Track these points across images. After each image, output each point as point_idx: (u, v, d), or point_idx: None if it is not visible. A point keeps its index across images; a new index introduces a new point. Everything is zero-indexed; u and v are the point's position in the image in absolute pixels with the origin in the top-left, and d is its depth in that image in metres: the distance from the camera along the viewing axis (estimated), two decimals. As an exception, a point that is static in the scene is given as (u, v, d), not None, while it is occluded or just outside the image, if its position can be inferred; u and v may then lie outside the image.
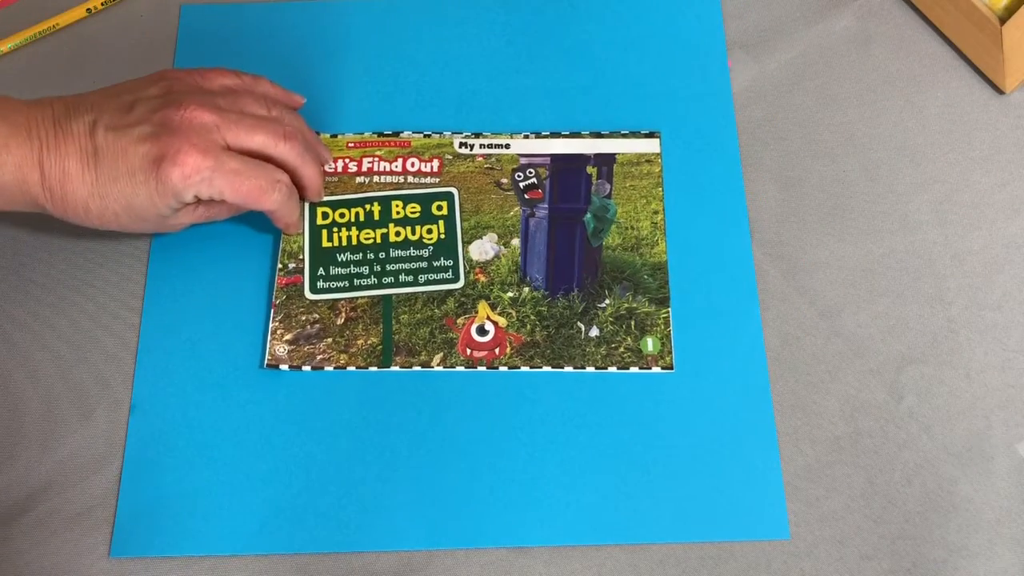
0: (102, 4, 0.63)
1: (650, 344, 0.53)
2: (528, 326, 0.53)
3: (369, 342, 0.53)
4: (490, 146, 0.58)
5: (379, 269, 0.54)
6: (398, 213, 0.56)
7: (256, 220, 0.56)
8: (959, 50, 0.60)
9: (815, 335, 0.53)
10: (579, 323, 0.53)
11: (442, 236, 0.55)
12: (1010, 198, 0.56)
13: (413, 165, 0.57)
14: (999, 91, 0.59)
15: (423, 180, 0.57)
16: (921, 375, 0.52)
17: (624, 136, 0.58)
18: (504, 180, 0.57)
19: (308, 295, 0.54)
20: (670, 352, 0.52)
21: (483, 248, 0.55)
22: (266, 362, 0.52)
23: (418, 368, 0.52)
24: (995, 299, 0.54)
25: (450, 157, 0.57)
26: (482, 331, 0.53)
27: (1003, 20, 0.56)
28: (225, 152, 0.48)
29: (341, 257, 0.55)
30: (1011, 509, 0.49)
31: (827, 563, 0.48)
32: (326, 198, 0.56)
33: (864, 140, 0.58)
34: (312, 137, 0.55)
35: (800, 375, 0.52)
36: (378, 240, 0.55)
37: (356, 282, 0.54)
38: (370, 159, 0.57)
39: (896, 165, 0.57)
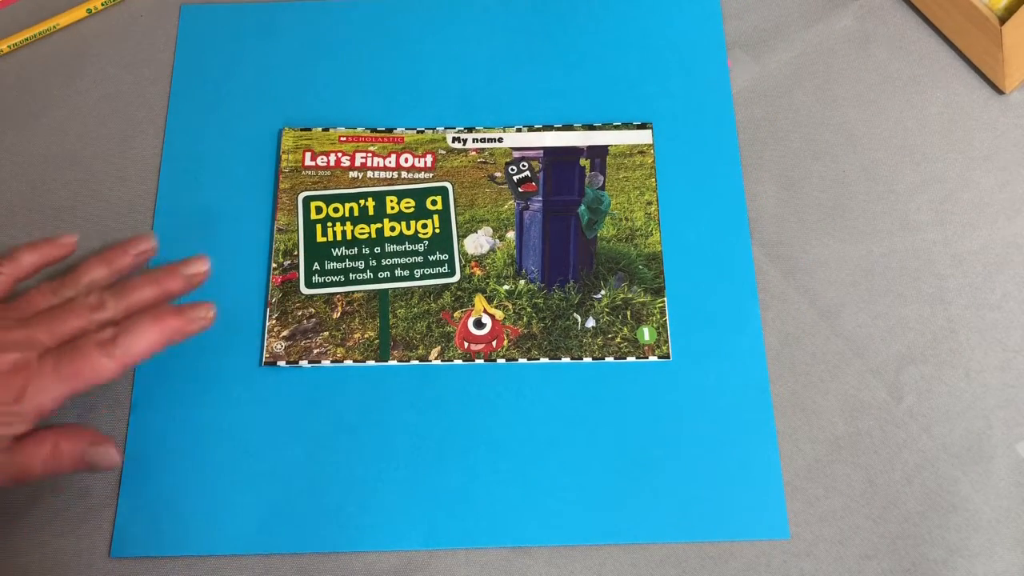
0: (102, 4, 0.63)
1: (646, 334, 0.53)
2: (525, 318, 0.53)
3: (366, 336, 0.53)
4: (483, 140, 0.58)
5: (374, 264, 0.54)
6: (392, 208, 0.56)
7: (251, 221, 0.56)
8: (959, 50, 0.60)
9: (815, 335, 0.53)
10: (575, 314, 0.53)
11: (437, 231, 0.55)
12: (1010, 198, 0.56)
13: (407, 160, 0.57)
14: (999, 91, 0.59)
15: (417, 175, 0.57)
16: (921, 375, 0.52)
17: (616, 128, 0.58)
18: (498, 174, 0.57)
19: (304, 290, 0.54)
20: (666, 341, 0.52)
21: (478, 242, 0.55)
22: (264, 359, 0.52)
23: (416, 362, 0.52)
24: (995, 299, 0.54)
25: (443, 152, 0.57)
26: (479, 324, 0.53)
27: (1003, 20, 0.56)
28: (45, 353, 0.44)
29: (336, 252, 0.55)
30: (1011, 509, 0.49)
31: (827, 563, 0.48)
32: (319, 192, 0.56)
33: (864, 140, 0.58)
34: (141, 280, 0.48)
35: (800, 375, 0.52)
36: (373, 235, 0.55)
37: (352, 276, 0.54)
38: (363, 154, 0.57)
39: (896, 165, 0.57)
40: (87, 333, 0.45)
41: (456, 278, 0.54)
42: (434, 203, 0.56)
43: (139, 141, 0.59)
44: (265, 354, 0.52)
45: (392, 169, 0.57)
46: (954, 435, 0.51)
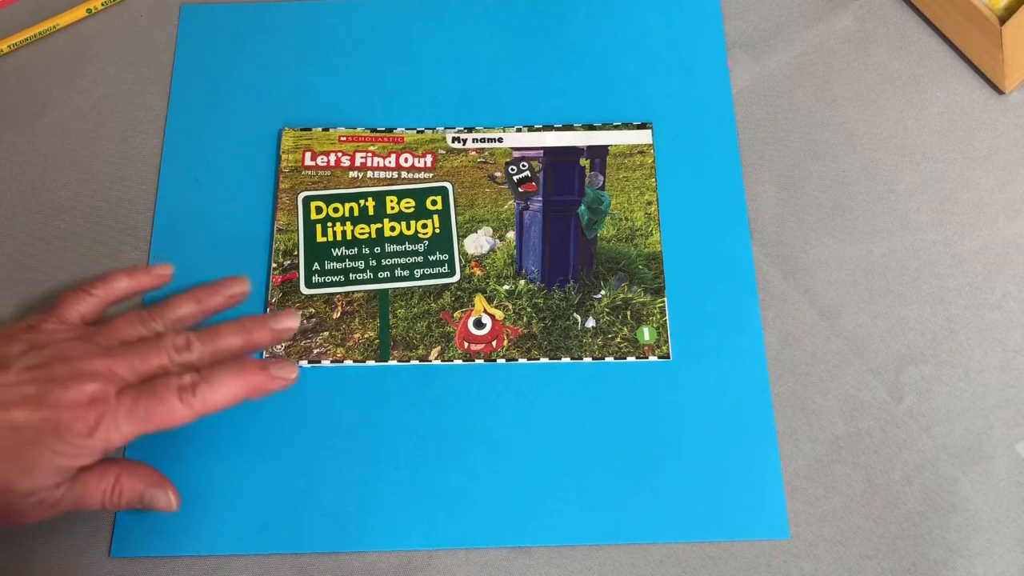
0: (102, 4, 0.63)
1: (646, 334, 0.53)
2: (525, 318, 0.53)
3: (366, 336, 0.53)
4: (483, 140, 0.58)
5: (374, 264, 0.54)
6: (392, 208, 0.56)
7: (251, 221, 0.56)
8: (959, 50, 0.60)
9: (815, 335, 0.53)
10: (575, 314, 0.53)
11: (437, 231, 0.55)
12: (1010, 198, 0.56)
13: (407, 160, 0.57)
14: (999, 91, 0.59)
15: (417, 175, 0.57)
16: (921, 375, 0.52)
17: (616, 128, 0.58)
18: (498, 174, 0.57)
19: (304, 290, 0.54)
20: (667, 341, 0.53)
21: (478, 242, 0.55)
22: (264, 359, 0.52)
23: (416, 362, 0.52)
24: (995, 299, 0.54)
25: (443, 152, 0.57)
26: (479, 324, 0.53)
27: (1003, 20, 0.56)
28: (123, 389, 0.43)
29: (336, 252, 0.55)
30: (1011, 509, 0.49)
31: (827, 563, 0.48)
32: (319, 192, 0.56)
33: (864, 140, 0.58)
34: (230, 327, 0.48)
35: (800, 375, 0.52)
36: (373, 235, 0.55)
37: (352, 276, 0.54)
38: (363, 154, 0.57)
39: (896, 165, 0.57)
40: (168, 374, 0.44)
41: (456, 278, 0.54)
42: (434, 203, 0.56)
43: (139, 141, 0.59)
44: (266, 354, 0.52)
45: (392, 169, 0.57)
46: (954, 435, 0.51)
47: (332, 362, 0.52)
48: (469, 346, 0.53)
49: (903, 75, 0.60)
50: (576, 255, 0.55)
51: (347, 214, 0.56)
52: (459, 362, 0.52)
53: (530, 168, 0.57)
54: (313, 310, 0.53)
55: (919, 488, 0.50)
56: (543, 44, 0.61)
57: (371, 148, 0.57)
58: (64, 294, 0.49)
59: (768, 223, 0.56)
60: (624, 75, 0.60)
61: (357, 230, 0.55)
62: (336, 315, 0.53)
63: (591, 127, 0.58)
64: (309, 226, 0.55)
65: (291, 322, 0.49)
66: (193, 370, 0.44)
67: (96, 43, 0.62)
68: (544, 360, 0.52)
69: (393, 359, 0.52)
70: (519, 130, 0.58)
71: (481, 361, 0.52)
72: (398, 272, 0.54)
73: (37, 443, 0.41)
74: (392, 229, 0.55)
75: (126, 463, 0.46)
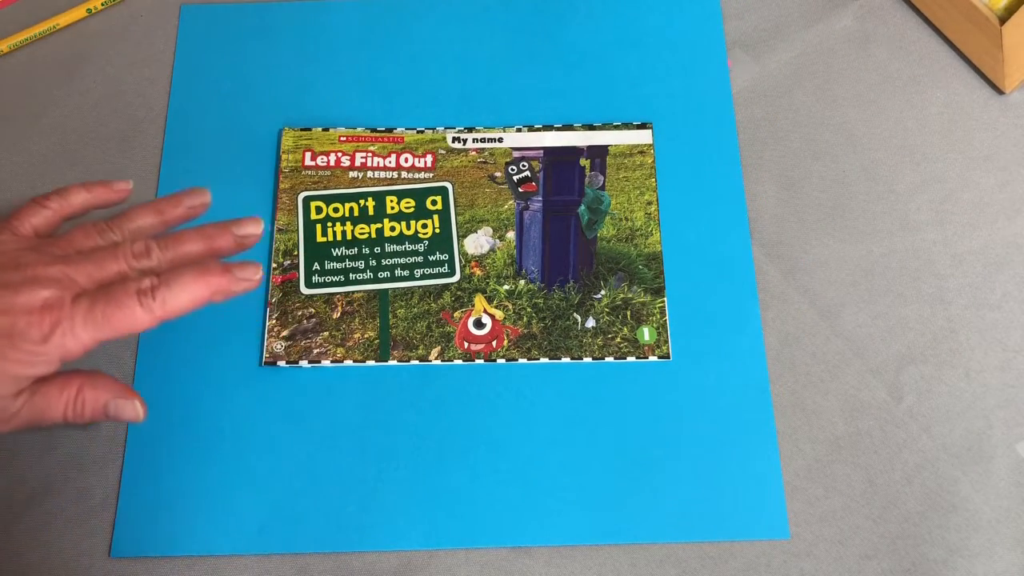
0: (102, 4, 0.63)
1: (646, 334, 0.53)
2: (525, 318, 0.53)
3: (366, 336, 0.53)
4: (483, 140, 0.58)
5: (374, 264, 0.54)
6: (392, 208, 0.56)
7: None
8: (959, 50, 0.60)
9: (815, 335, 0.53)
10: (575, 314, 0.53)
11: (437, 231, 0.55)
12: (1010, 198, 0.56)
13: (407, 160, 0.57)
14: (999, 91, 0.59)
15: (417, 175, 0.57)
16: (921, 375, 0.52)
17: (616, 128, 0.58)
18: (498, 174, 0.57)
19: (304, 290, 0.54)
20: (667, 341, 0.53)
21: (478, 242, 0.55)
22: (264, 359, 0.52)
23: (416, 362, 0.52)
24: (995, 299, 0.54)
25: (443, 152, 0.57)
26: (479, 324, 0.53)
27: (1003, 20, 0.56)
28: (79, 295, 0.41)
29: (336, 252, 0.55)
30: (1011, 509, 0.49)
31: (827, 563, 0.48)
32: (319, 192, 0.56)
33: (864, 140, 0.58)
34: (190, 233, 0.46)
35: (800, 375, 0.52)
36: (373, 235, 0.55)
37: (351, 276, 0.54)
38: (363, 154, 0.57)
39: (896, 165, 0.57)
40: (127, 280, 0.42)
41: (456, 278, 0.54)
42: (434, 203, 0.56)
43: (139, 141, 0.59)
44: (265, 354, 0.52)
45: (392, 169, 0.57)
46: (954, 435, 0.51)
47: (332, 362, 0.52)
48: (469, 346, 0.53)
49: (903, 75, 0.60)
50: (576, 255, 0.55)
51: (347, 214, 0.56)
52: (459, 362, 0.52)
53: (530, 168, 0.57)
54: (313, 310, 0.53)
55: (919, 488, 0.50)
56: (543, 44, 0.61)
57: (371, 148, 0.57)
58: (17, 207, 0.46)
59: (768, 223, 0.56)
60: (624, 75, 0.60)
61: (357, 230, 0.55)
62: (336, 315, 0.53)
63: (591, 127, 0.58)
64: (309, 226, 0.55)
65: (254, 228, 0.47)
66: (153, 275, 0.42)
67: (96, 43, 0.62)
68: (544, 360, 0.52)
69: (393, 359, 0.52)
70: (519, 130, 0.58)
71: (481, 361, 0.52)
72: (398, 272, 0.54)
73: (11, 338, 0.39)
74: (392, 229, 0.55)
75: (88, 374, 0.44)
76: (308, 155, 0.57)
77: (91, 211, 0.49)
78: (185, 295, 0.42)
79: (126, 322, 0.41)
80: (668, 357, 0.52)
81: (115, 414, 0.44)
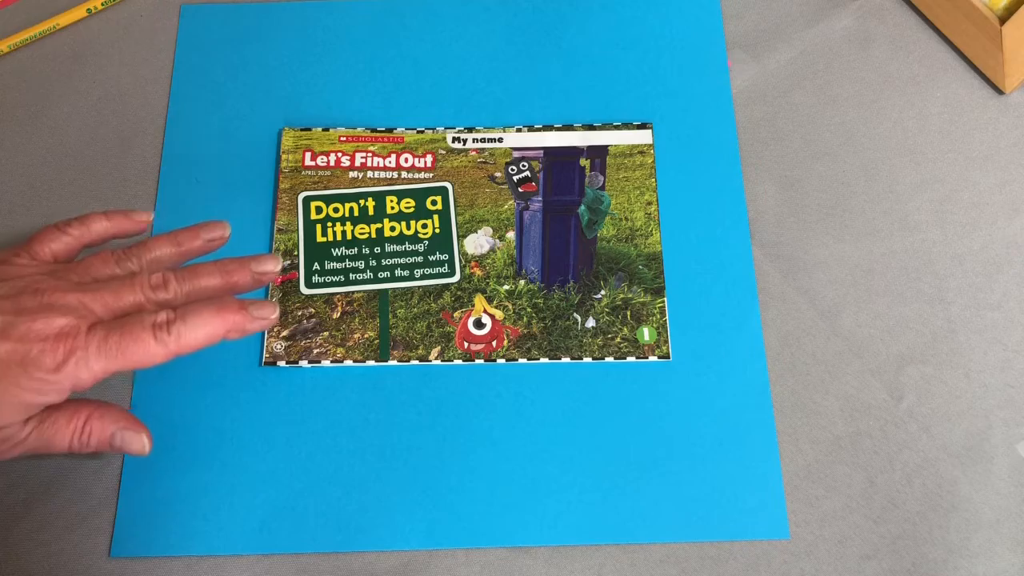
0: (102, 4, 0.63)
1: (646, 334, 0.53)
2: (525, 318, 0.53)
3: (366, 336, 0.53)
4: (483, 140, 0.58)
5: (374, 264, 0.54)
6: (392, 208, 0.56)
7: (251, 221, 0.56)
8: (959, 50, 0.60)
9: (815, 335, 0.53)
10: (575, 314, 0.53)
11: (437, 231, 0.55)
12: (1010, 198, 0.56)
13: (407, 160, 0.57)
14: (999, 91, 0.59)
15: (417, 175, 0.57)
16: (921, 375, 0.52)
17: (616, 128, 0.58)
18: (498, 174, 0.57)
19: (304, 290, 0.54)
20: (667, 341, 0.53)
21: (478, 242, 0.55)
22: (264, 359, 0.52)
23: (416, 362, 0.52)
24: (995, 299, 0.54)
25: (443, 152, 0.57)
26: (479, 324, 0.53)
27: (1003, 20, 0.56)
28: (95, 325, 0.41)
29: (336, 252, 0.55)
30: (1011, 509, 0.49)
31: (827, 563, 0.48)
32: (320, 192, 0.56)
33: (864, 140, 0.58)
34: (208, 267, 0.46)
35: (800, 375, 0.52)
36: (373, 235, 0.55)
37: (351, 276, 0.54)
38: (363, 154, 0.57)
39: (896, 165, 0.57)
40: (143, 311, 0.42)
41: (456, 278, 0.54)
42: (434, 203, 0.56)
43: (139, 141, 0.59)
44: (265, 354, 0.52)
45: (392, 169, 0.57)
46: (954, 435, 0.51)
47: (332, 362, 0.52)
48: (469, 346, 0.53)
49: (903, 75, 0.60)
50: (576, 255, 0.55)
51: (347, 214, 0.56)
52: (459, 362, 0.52)
53: (530, 168, 0.57)
54: (313, 310, 0.53)
55: (919, 488, 0.50)
56: (543, 44, 0.61)
57: (371, 148, 0.57)
58: (38, 231, 0.47)
59: (768, 223, 0.56)
60: (624, 75, 0.60)
61: (357, 230, 0.55)
62: (336, 315, 0.53)
63: (591, 127, 0.58)
64: (309, 226, 0.55)
65: (272, 265, 0.47)
66: (169, 308, 0.42)
67: (96, 43, 0.62)
68: (544, 360, 0.52)
69: (393, 359, 0.52)
70: (519, 130, 0.58)
71: (481, 361, 0.52)
72: (398, 272, 0.54)
73: (2, 377, 0.39)
74: (392, 229, 0.55)
75: (98, 404, 0.44)
76: (308, 155, 0.57)
77: (110, 240, 0.49)
78: (201, 331, 0.42)
79: (140, 355, 0.41)
80: (668, 357, 0.52)
81: (120, 445, 0.44)
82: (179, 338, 0.42)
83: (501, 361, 0.52)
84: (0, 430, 0.41)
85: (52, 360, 0.40)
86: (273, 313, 0.45)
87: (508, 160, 0.57)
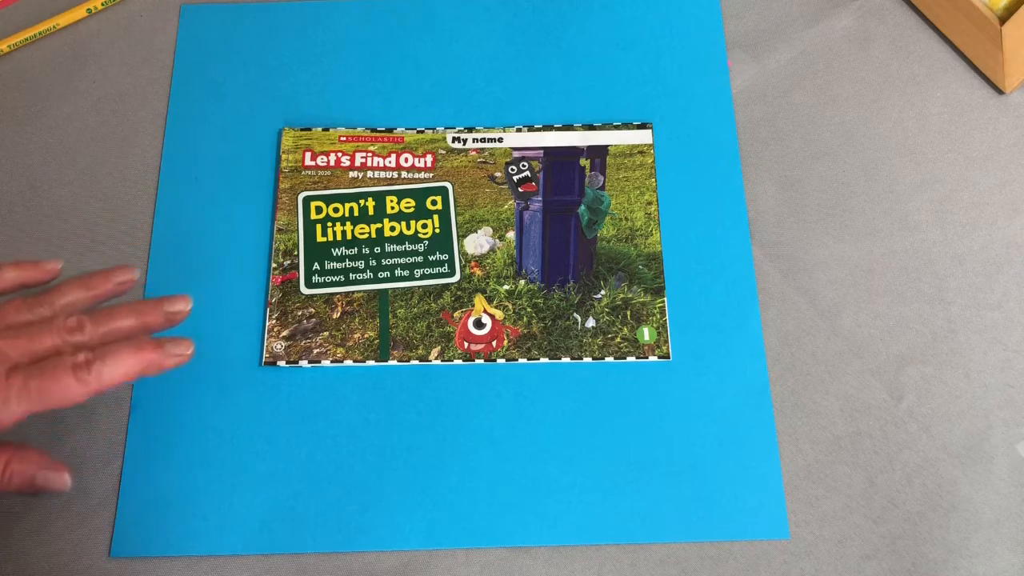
0: (102, 4, 0.63)
1: (646, 334, 0.53)
2: (525, 318, 0.53)
3: (366, 336, 0.53)
4: (483, 140, 0.58)
5: (374, 264, 0.54)
6: (392, 208, 0.56)
7: (251, 221, 0.56)
8: (959, 50, 0.60)
9: (815, 335, 0.53)
10: (575, 314, 0.53)
11: (437, 231, 0.55)
12: (1010, 198, 0.56)
13: (407, 160, 0.57)
14: (999, 91, 0.59)
15: (417, 175, 0.57)
16: (921, 375, 0.52)
17: (616, 128, 0.58)
18: (498, 174, 0.57)
19: (304, 290, 0.54)
20: (666, 341, 0.53)
21: (478, 242, 0.55)
22: (264, 359, 0.52)
23: (416, 362, 0.52)
24: (995, 299, 0.54)
25: (443, 152, 0.57)
26: (479, 324, 0.53)
27: (1003, 20, 0.56)
28: (11, 369, 0.43)
29: (336, 252, 0.55)
30: (1011, 509, 0.49)
31: (827, 563, 0.48)
32: (320, 192, 0.56)
33: (864, 140, 0.58)
34: (121, 310, 0.47)
35: (800, 375, 0.52)
36: (373, 235, 0.55)
37: (351, 276, 0.54)
38: (363, 154, 0.57)
39: (896, 165, 0.57)
40: (61, 354, 0.44)
41: (456, 278, 0.54)
42: (434, 203, 0.56)
43: (139, 141, 0.59)
44: (265, 354, 0.52)
45: (392, 169, 0.57)
46: (954, 435, 0.51)
47: (332, 362, 0.52)
48: (469, 346, 0.53)
49: (903, 75, 0.60)
50: (576, 255, 0.55)
51: (347, 214, 0.56)
52: (459, 362, 0.52)
53: (530, 168, 0.57)
54: (313, 310, 0.53)
55: (919, 488, 0.50)
56: (543, 44, 0.61)
57: (371, 148, 0.57)
58: None
59: (768, 223, 0.56)
60: (624, 75, 0.60)
61: (357, 230, 0.55)
62: (336, 315, 0.53)
63: (591, 127, 0.58)
64: (309, 226, 0.55)
65: (183, 305, 0.48)
66: (88, 350, 0.44)
67: (96, 43, 0.62)
68: (544, 360, 0.52)
69: (393, 359, 0.52)
70: (519, 130, 0.58)
71: (481, 361, 0.52)
72: (398, 272, 0.54)
73: None
74: (392, 229, 0.55)
75: (16, 447, 0.45)
76: (308, 155, 0.57)
77: (20, 289, 0.48)
78: (119, 369, 0.44)
79: (61, 395, 0.43)
80: (668, 357, 0.52)
81: (43, 484, 0.45)
82: (100, 377, 0.43)
83: (501, 361, 0.52)
84: None
85: None
86: (188, 349, 0.47)
87: (508, 160, 0.57)
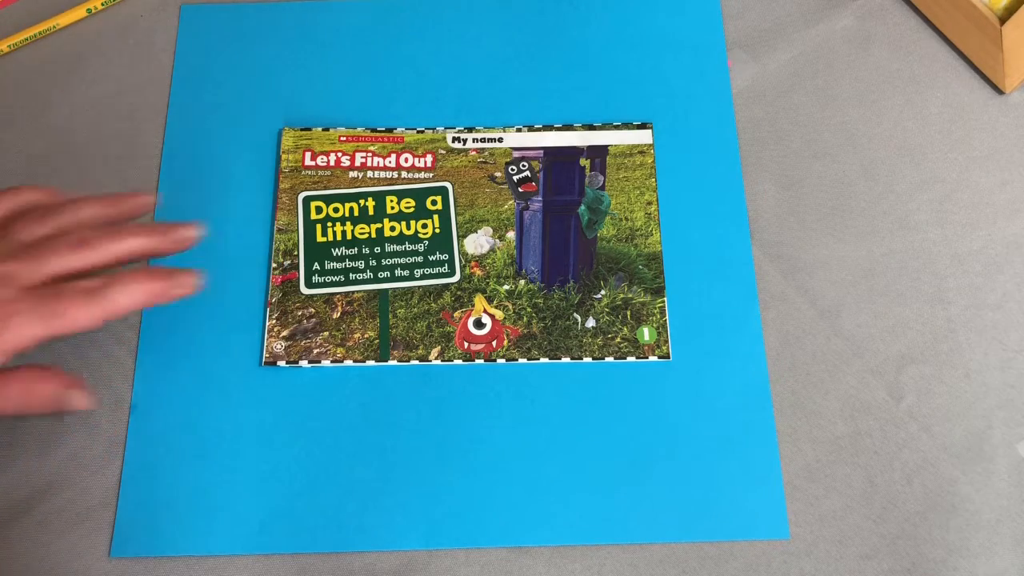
0: (102, 4, 0.63)
1: (646, 334, 0.53)
2: (525, 318, 0.53)
3: (366, 336, 0.53)
4: (483, 140, 0.58)
5: (374, 264, 0.54)
6: (392, 208, 0.56)
7: (251, 221, 0.56)
8: (959, 50, 0.60)
9: (815, 335, 0.53)
10: (575, 314, 0.53)
11: (437, 230, 0.55)
12: (1010, 198, 0.56)
13: (407, 160, 0.57)
14: (999, 91, 0.59)
15: (417, 175, 0.57)
16: (921, 375, 0.52)
17: (616, 128, 0.58)
18: (498, 174, 0.57)
19: (304, 290, 0.54)
20: (667, 341, 0.53)
21: (478, 242, 0.55)
22: (264, 359, 0.52)
23: (416, 362, 0.52)
24: (995, 299, 0.54)
25: (443, 152, 0.57)
26: (479, 324, 0.53)
27: (1003, 20, 0.56)
28: (22, 291, 0.43)
29: (336, 252, 0.55)
30: (1011, 509, 0.49)
31: (827, 563, 0.48)
32: (320, 192, 0.56)
33: (864, 140, 0.58)
34: (129, 229, 0.47)
35: (800, 375, 0.52)
36: (373, 235, 0.55)
37: (351, 276, 0.54)
38: (363, 154, 0.57)
39: (896, 165, 0.57)
40: (75, 281, 0.44)
41: (456, 278, 0.54)
42: (434, 203, 0.56)
43: (139, 141, 0.59)
44: (265, 354, 0.52)
45: (392, 169, 0.57)
46: (954, 435, 0.51)
47: (332, 362, 0.52)
48: (469, 346, 0.53)
49: (903, 75, 0.60)
50: (576, 255, 0.55)
51: (347, 214, 0.56)
52: (459, 362, 0.52)
53: (530, 168, 0.57)
54: (313, 310, 0.53)
55: (919, 488, 0.50)
56: (543, 44, 0.61)
57: (371, 148, 0.57)
58: None
59: (768, 223, 0.56)
60: (624, 75, 0.60)
61: (357, 230, 0.55)
62: (336, 315, 0.53)
63: (591, 127, 0.58)
64: (309, 226, 0.55)
65: (192, 232, 0.49)
66: (98, 278, 0.44)
67: (96, 43, 0.62)
68: (544, 360, 0.52)
69: (393, 359, 0.52)
70: (519, 130, 0.58)
71: (481, 361, 0.52)
72: (398, 272, 0.54)
73: None
74: (392, 229, 0.56)
75: (41, 366, 0.45)
76: (308, 155, 0.57)
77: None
78: (127, 296, 0.44)
79: (73, 319, 0.43)
80: (668, 357, 0.52)
81: (63, 403, 0.45)
82: (109, 302, 0.44)
83: (501, 361, 0.52)
84: None
85: None
86: (195, 279, 0.47)
87: (508, 160, 0.57)
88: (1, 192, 0.48)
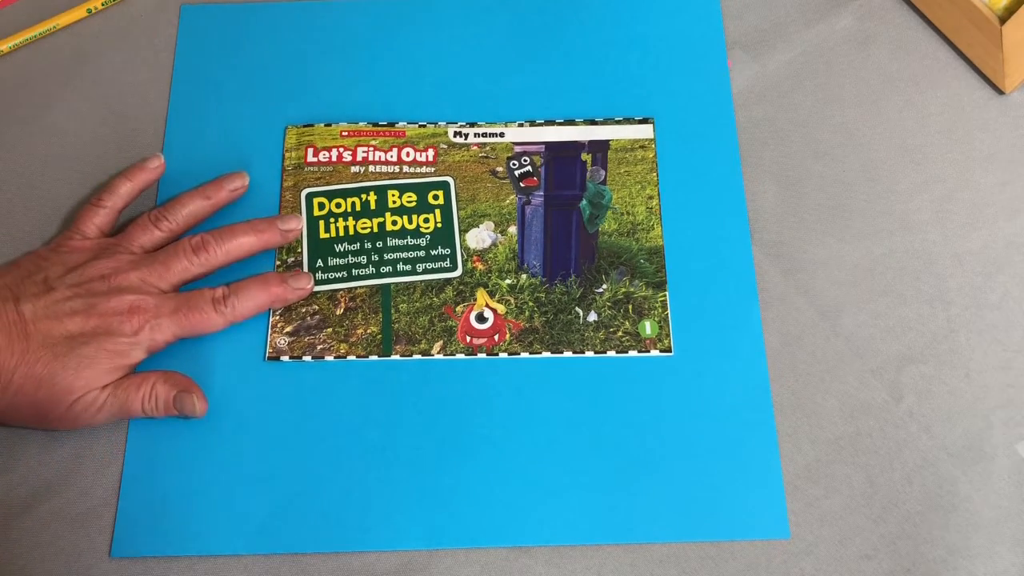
0: (102, 4, 0.63)
1: (648, 328, 0.53)
2: (527, 312, 0.53)
3: (369, 331, 0.53)
4: (485, 135, 0.58)
5: (377, 259, 0.55)
6: (394, 203, 0.56)
7: (252, 216, 0.56)
8: (959, 50, 0.60)
9: (815, 335, 0.53)
10: (577, 308, 0.53)
11: (439, 225, 0.55)
12: (1010, 198, 0.56)
13: (408, 155, 0.57)
14: (999, 91, 0.59)
15: (418, 170, 0.57)
16: (921, 375, 0.52)
17: (617, 122, 0.58)
18: (499, 168, 0.57)
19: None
20: (668, 335, 0.53)
21: (480, 236, 0.55)
22: (268, 355, 0.52)
23: (418, 356, 0.52)
24: (995, 299, 0.54)
25: (445, 146, 0.58)
26: (481, 318, 0.53)
27: (1003, 20, 0.56)
28: (160, 296, 0.50)
29: (339, 247, 0.55)
30: (1011, 509, 0.49)
31: (827, 563, 0.48)
32: (322, 188, 0.56)
33: (864, 140, 0.58)
34: (242, 227, 0.53)
35: (800, 375, 0.52)
36: (375, 230, 0.55)
37: (355, 272, 0.54)
38: (365, 148, 0.57)
39: (896, 165, 0.57)
40: (203, 289, 0.51)
41: (458, 272, 0.54)
42: (436, 198, 0.56)
43: (139, 141, 0.59)
44: (269, 349, 0.52)
45: (394, 163, 0.57)
46: (954, 435, 0.51)
47: (335, 358, 0.52)
48: (471, 340, 0.53)
49: (903, 75, 0.60)
50: (578, 249, 0.55)
51: (349, 209, 0.56)
52: (461, 356, 0.52)
53: (532, 163, 0.57)
54: (317, 306, 0.53)
55: (919, 488, 0.50)
56: (543, 42, 0.61)
57: (373, 143, 0.58)
58: (79, 211, 0.53)
59: (768, 223, 0.56)
60: (624, 75, 0.60)
61: (359, 225, 0.55)
62: (339, 311, 0.53)
63: (592, 122, 0.58)
64: (312, 223, 0.55)
65: (295, 223, 0.54)
66: (225, 286, 0.51)
67: (96, 43, 0.62)
68: (546, 354, 0.52)
69: (396, 354, 0.52)
70: (521, 125, 0.58)
71: (483, 355, 0.52)
72: (400, 267, 0.54)
73: (91, 343, 0.48)
74: (394, 223, 0.56)
75: (162, 372, 0.50)
76: (310, 151, 0.57)
77: (137, 196, 0.55)
78: (251, 302, 0.51)
79: (203, 324, 0.50)
80: (670, 351, 0.52)
81: (179, 407, 0.50)
82: (234, 309, 0.51)
83: (503, 355, 0.52)
84: (86, 395, 0.48)
85: (130, 327, 0.48)
86: (309, 283, 0.53)
87: (510, 155, 0.57)
88: (102, 193, 0.54)
